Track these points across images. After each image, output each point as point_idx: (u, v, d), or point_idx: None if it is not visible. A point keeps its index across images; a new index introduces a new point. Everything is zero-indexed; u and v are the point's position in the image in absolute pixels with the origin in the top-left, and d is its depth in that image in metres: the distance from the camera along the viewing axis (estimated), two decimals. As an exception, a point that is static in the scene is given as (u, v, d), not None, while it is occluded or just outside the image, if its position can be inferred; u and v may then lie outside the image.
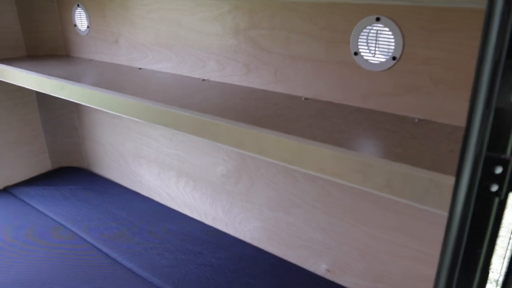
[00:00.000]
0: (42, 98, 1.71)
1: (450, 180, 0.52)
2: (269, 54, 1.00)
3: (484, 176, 0.40)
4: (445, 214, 0.47)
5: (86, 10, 1.44)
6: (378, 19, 0.82)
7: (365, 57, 0.86)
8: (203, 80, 1.15)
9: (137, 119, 0.92)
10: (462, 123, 0.78)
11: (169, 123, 0.85)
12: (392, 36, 0.82)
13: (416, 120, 0.82)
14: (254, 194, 1.21)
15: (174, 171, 1.42)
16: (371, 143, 0.69)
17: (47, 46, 1.61)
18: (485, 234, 0.42)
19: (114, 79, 1.18)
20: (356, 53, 0.87)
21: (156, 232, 1.36)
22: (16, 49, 1.58)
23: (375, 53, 0.85)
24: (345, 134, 0.74)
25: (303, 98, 0.96)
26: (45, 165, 1.80)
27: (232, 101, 0.94)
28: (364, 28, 0.84)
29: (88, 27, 1.46)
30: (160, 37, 1.23)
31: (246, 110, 0.87)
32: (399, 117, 0.83)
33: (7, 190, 1.66)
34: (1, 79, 1.36)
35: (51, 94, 1.15)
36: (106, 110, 1.00)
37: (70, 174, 1.77)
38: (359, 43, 0.86)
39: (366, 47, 0.85)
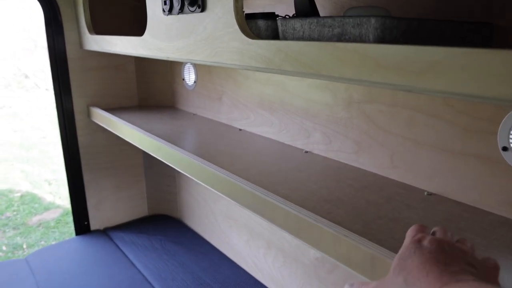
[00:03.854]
0: (146, 146, 1.75)
1: None
2: (386, 134, 0.85)
3: None
4: None
5: (195, 65, 1.44)
6: (542, 110, 0.62)
7: (519, 155, 0.66)
8: (306, 152, 1.03)
9: (227, 198, 0.83)
10: None
11: (262, 212, 0.73)
12: None
13: None
14: None
15: (264, 242, 1.30)
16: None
17: (157, 97, 1.65)
18: None
19: (212, 141, 1.12)
20: (505, 148, 0.67)
21: (238, 308, 1.24)
22: (130, 99, 1.65)
23: (534, 152, 0.64)
24: (489, 264, 0.54)
25: (425, 193, 0.78)
26: (142, 211, 1.82)
27: (338, 188, 0.80)
28: (520, 118, 0.65)
29: (195, 82, 1.46)
30: (264, 99, 1.15)
31: (354, 206, 0.72)
32: None
33: (106, 232, 1.69)
34: (110, 130, 1.40)
35: (149, 153, 1.13)
36: (196, 180, 0.93)
37: (163, 223, 1.76)
38: None
39: (520, 142, 0.66)
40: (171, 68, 1.60)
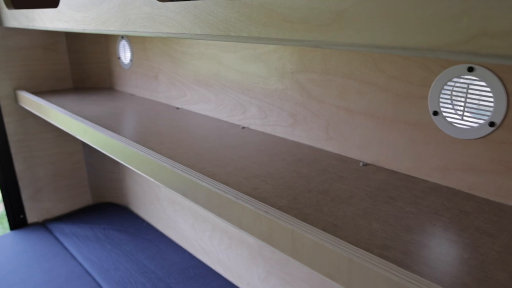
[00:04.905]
0: (85, 131, 1.64)
1: None
2: (320, 104, 0.81)
3: None
4: None
5: (129, 42, 1.35)
6: (471, 70, 0.60)
7: (449, 119, 0.64)
8: (243, 128, 0.98)
9: (148, 177, 0.77)
10: None
11: (184, 191, 0.68)
12: (490, 94, 0.59)
13: (523, 214, 0.57)
14: (296, 266, 1.00)
15: (209, 224, 1.25)
16: (456, 260, 0.46)
17: (93, 78, 1.54)
18: None
19: (146, 121, 1.05)
20: (436, 113, 0.65)
21: (184, 294, 1.19)
22: (63, 81, 1.53)
23: (463, 115, 0.62)
24: (415, 235, 0.52)
25: (360, 164, 0.75)
26: (85, 200, 1.72)
27: (270, 163, 0.75)
28: (450, 80, 0.62)
29: (131, 60, 1.37)
30: (199, 75, 1.09)
31: (284, 180, 0.68)
32: (496, 206, 0.60)
33: (45, 224, 1.59)
34: (38, 114, 1.29)
35: (76, 136, 1.04)
36: (117, 160, 0.86)
37: (108, 211, 1.68)
38: (441, 100, 0.64)
39: (450, 106, 0.63)
40: (106, 47, 1.49)
